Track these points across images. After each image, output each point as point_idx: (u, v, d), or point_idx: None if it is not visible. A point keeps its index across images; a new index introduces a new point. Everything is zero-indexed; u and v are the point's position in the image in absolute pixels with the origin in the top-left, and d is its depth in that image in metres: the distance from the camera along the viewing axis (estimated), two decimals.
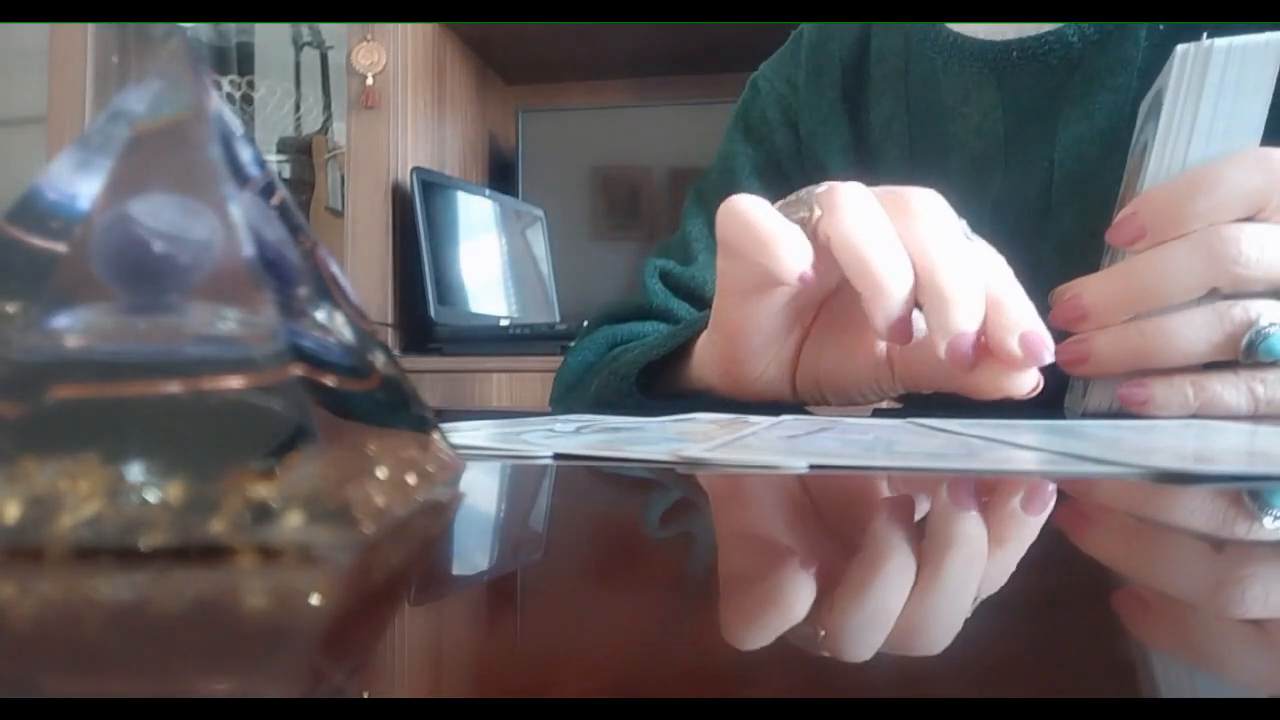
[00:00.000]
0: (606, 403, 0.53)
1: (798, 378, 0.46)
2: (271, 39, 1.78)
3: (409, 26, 1.52)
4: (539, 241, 1.75)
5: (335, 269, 0.18)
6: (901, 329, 0.36)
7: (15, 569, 0.13)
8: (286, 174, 1.67)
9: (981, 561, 0.14)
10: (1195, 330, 0.37)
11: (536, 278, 1.74)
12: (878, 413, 0.50)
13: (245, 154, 0.16)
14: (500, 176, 1.82)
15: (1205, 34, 0.39)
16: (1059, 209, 0.55)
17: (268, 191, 0.16)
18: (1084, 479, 0.21)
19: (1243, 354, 0.36)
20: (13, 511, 0.13)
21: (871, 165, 0.63)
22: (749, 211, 0.39)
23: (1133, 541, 0.16)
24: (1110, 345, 0.39)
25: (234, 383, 0.14)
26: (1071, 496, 0.20)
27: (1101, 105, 0.53)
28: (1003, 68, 0.55)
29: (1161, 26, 0.51)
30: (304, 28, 1.76)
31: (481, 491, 0.21)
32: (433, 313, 1.45)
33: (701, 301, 0.63)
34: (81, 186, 0.15)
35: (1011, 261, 0.38)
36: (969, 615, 0.11)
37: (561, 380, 0.64)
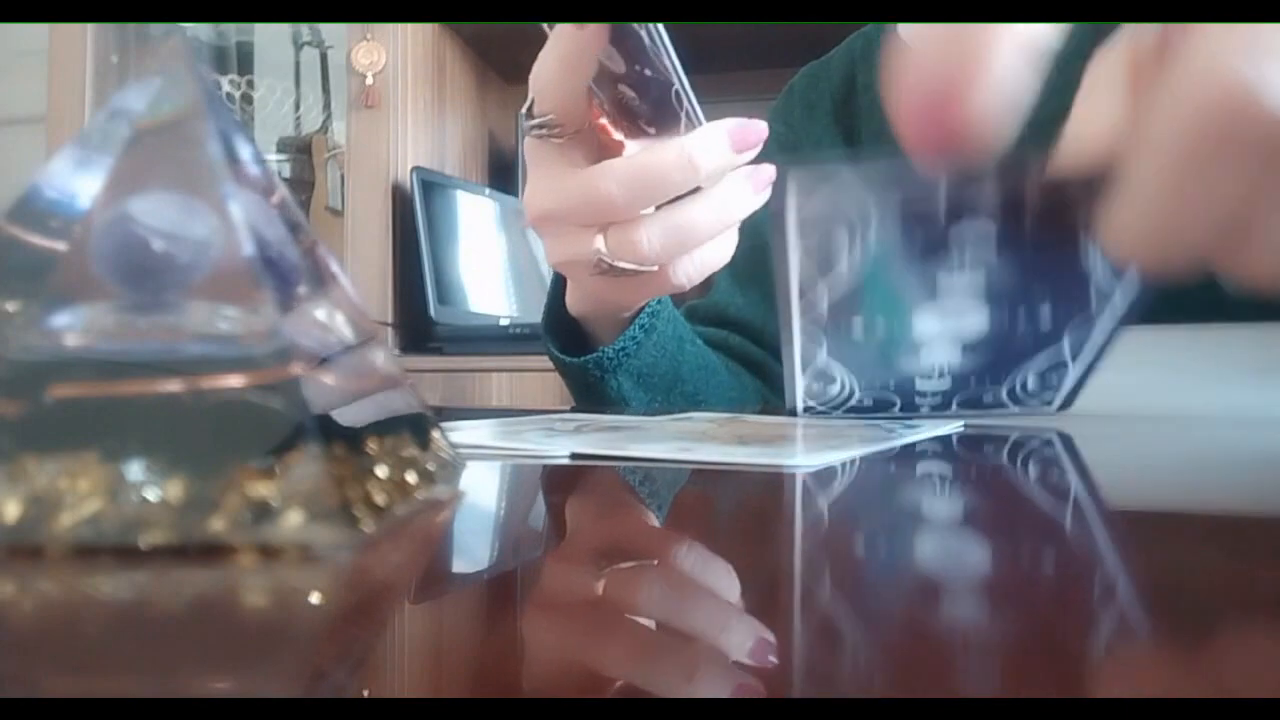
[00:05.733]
0: (581, 388, 0.55)
1: None
2: (271, 39, 1.78)
3: (409, 26, 1.51)
4: (539, 241, 1.75)
5: (335, 268, 0.18)
6: None
7: (15, 568, 0.13)
8: (286, 173, 1.67)
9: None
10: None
11: (536, 277, 1.73)
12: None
13: (245, 152, 0.16)
14: (500, 176, 1.82)
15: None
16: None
17: (267, 191, 0.16)
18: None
19: None
20: (13, 510, 0.13)
21: None
22: None
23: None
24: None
25: (233, 381, 0.14)
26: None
27: None
28: None
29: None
30: (304, 27, 1.76)
31: (481, 490, 0.21)
32: (433, 312, 1.45)
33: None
34: (81, 185, 0.15)
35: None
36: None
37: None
